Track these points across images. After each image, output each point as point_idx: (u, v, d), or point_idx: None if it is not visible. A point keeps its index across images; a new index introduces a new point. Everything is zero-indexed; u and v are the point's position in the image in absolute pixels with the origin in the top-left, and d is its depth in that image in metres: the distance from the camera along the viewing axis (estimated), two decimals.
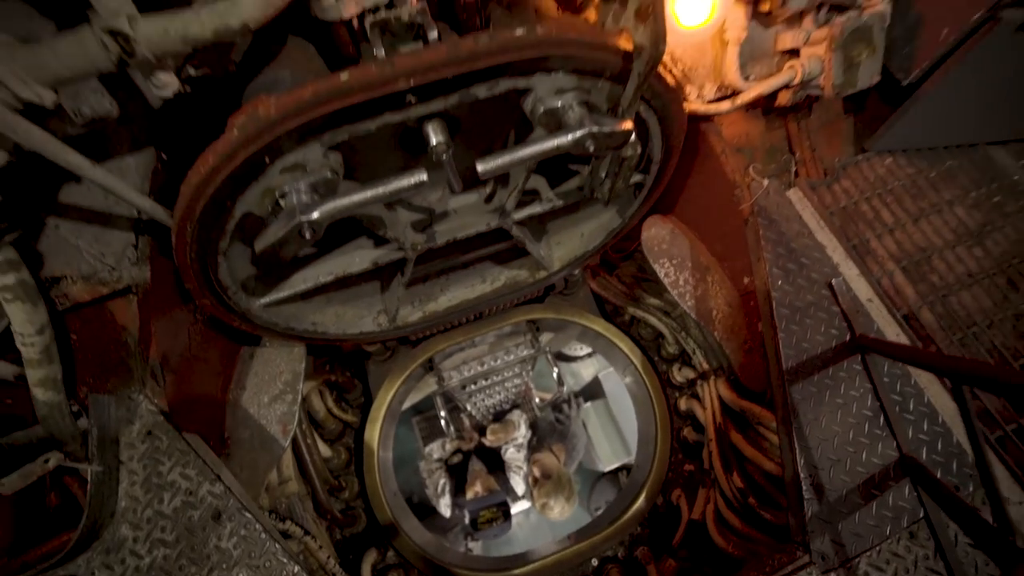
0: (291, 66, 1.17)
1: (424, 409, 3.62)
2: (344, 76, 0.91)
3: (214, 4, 0.92)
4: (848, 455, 1.46)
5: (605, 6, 1.06)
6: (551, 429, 3.32)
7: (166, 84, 0.99)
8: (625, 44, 1.04)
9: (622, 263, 2.52)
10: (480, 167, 1.04)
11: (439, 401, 3.03)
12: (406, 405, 3.03)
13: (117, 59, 0.89)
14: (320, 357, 2.56)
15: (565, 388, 3.28)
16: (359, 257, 1.49)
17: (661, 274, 1.94)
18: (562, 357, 3.85)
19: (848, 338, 1.59)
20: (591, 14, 1.25)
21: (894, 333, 1.65)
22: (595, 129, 1.05)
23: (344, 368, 2.79)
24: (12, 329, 1.24)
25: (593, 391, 4.13)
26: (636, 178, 1.51)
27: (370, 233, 1.50)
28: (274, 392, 2.00)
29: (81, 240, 1.40)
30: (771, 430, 1.74)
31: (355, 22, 1.15)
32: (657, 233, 2.02)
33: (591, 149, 1.06)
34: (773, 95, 1.68)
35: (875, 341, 1.52)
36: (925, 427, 1.49)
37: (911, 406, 1.52)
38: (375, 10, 1.11)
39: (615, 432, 3.95)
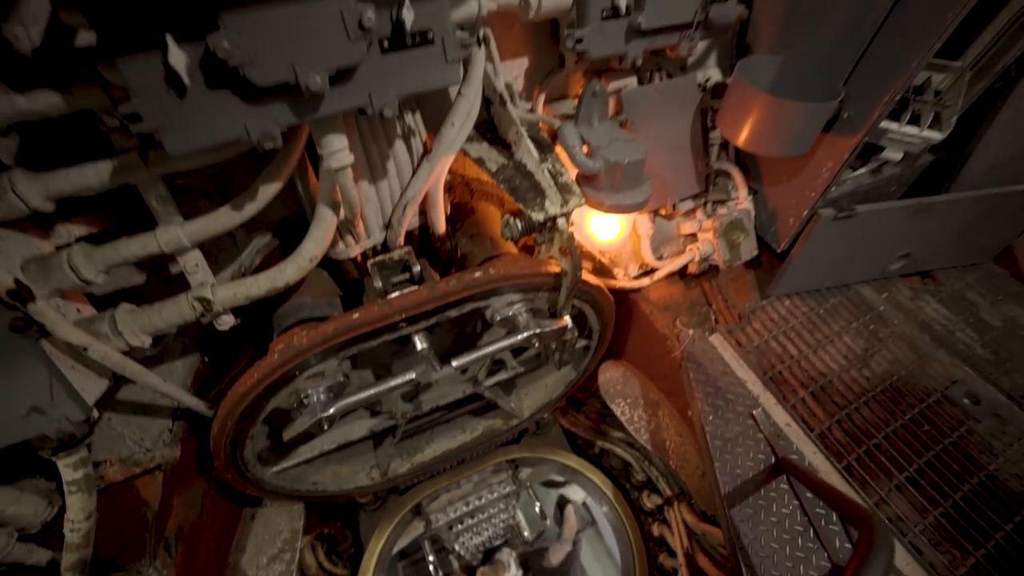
0: (311, 291, 1.59)
1: (411, 552, 3.61)
2: (356, 316, 1.32)
3: (267, 272, 1.34)
4: (787, 570, 1.68)
5: (538, 243, 1.53)
6: (543, 568, 3.35)
7: (226, 321, 1.37)
8: (554, 269, 1.49)
9: (587, 400, 2.85)
10: (454, 363, 1.41)
11: (426, 545, 3.09)
12: (394, 551, 3.08)
13: (200, 314, 1.28)
14: (314, 511, 2.70)
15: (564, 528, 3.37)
16: (358, 427, 1.79)
17: (617, 412, 2.27)
18: (550, 483, 3.98)
19: (773, 461, 1.90)
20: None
21: (811, 451, 1.96)
22: (538, 330, 1.45)
23: (336, 519, 2.90)
24: (65, 517, 1.46)
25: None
26: (582, 343, 1.91)
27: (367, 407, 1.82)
28: (273, 552, 2.14)
29: (127, 429, 1.67)
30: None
31: (359, 258, 1.61)
32: (612, 376, 2.39)
33: (537, 344, 1.45)
34: (684, 266, 2.18)
35: (791, 464, 1.83)
36: (849, 535, 1.74)
37: (834, 517, 1.78)
38: (375, 252, 1.57)
39: (608, 559, 3.93)
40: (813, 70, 1.67)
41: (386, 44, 0.99)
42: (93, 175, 1.14)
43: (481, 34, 1.30)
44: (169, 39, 0.85)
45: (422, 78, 1.05)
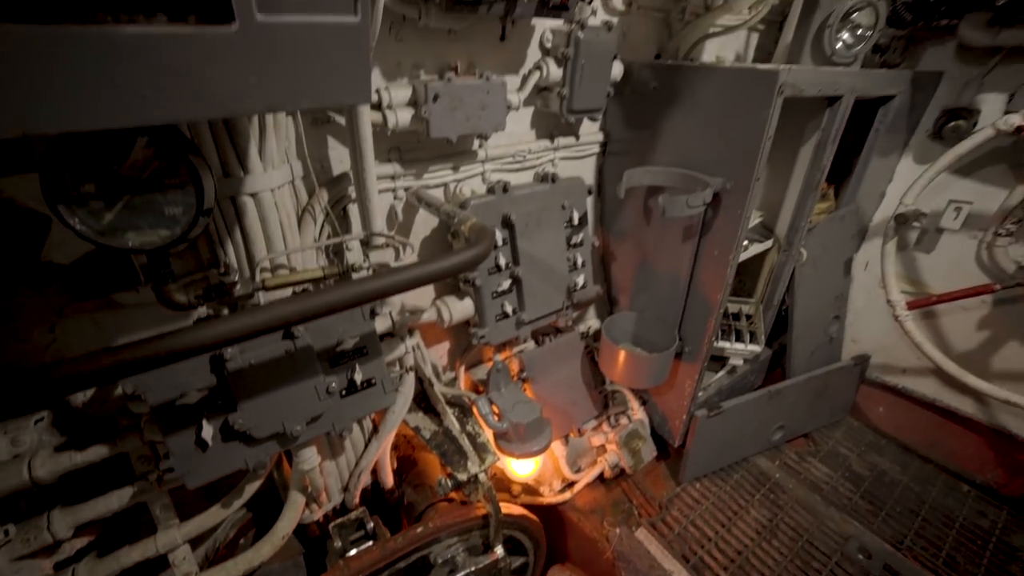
0: (278, 555, 1.85)
1: None
2: None
3: (245, 554, 1.64)
4: None
5: (466, 494, 1.92)
6: None
7: None
8: (481, 512, 1.87)
9: None
10: None
11: None
12: None
13: None
14: None
15: None
16: None
17: None
18: None
19: None
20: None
21: None
22: (475, 567, 1.76)
23: None
24: None
25: None
26: (519, 561, 2.19)
27: None
28: None
29: None
30: None
31: (320, 518, 1.92)
32: None
33: None
34: (601, 474, 2.60)
35: None
36: None
37: None
38: (335, 511, 1.90)
39: None
40: (656, 322, 2.37)
41: (344, 392, 1.50)
42: (116, 501, 1.49)
43: (414, 342, 1.88)
44: (204, 422, 1.31)
45: (370, 405, 1.56)
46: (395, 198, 1.85)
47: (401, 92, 1.63)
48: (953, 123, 2.56)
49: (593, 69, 1.92)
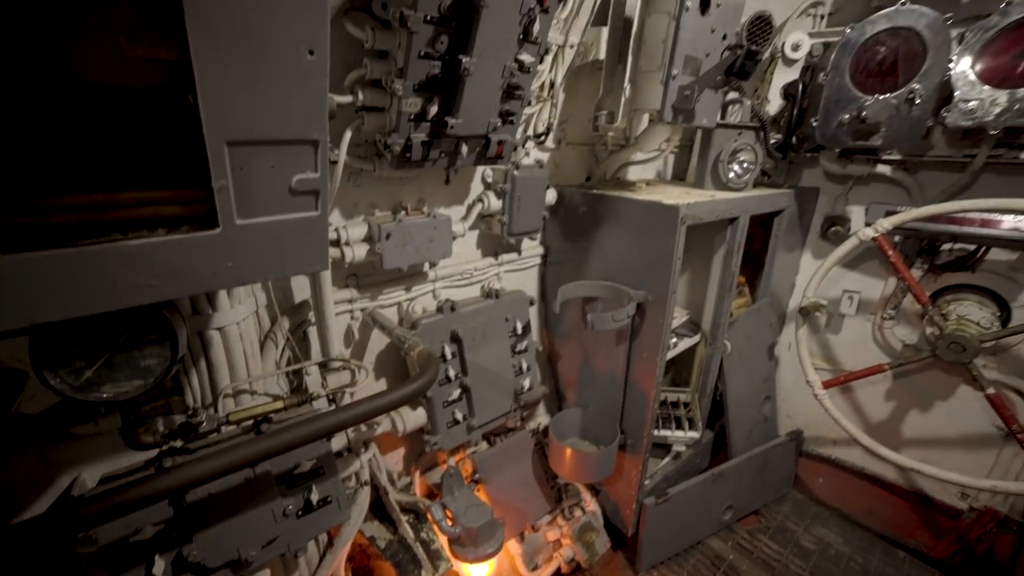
0: None
1: None
2: None
3: None
4: None
5: None
6: None
7: None
8: None
9: None
10: None
11: None
12: None
13: None
14: None
15: None
16: None
17: None
18: None
19: None
20: None
21: None
22: None
23: None
24: None
25: None
26: None
27: None
28: None
29: None
30: None
31: None
32: None
33: None
34: (557, 569, 2.63)
35: None
36: None
37: None
38: None
39: None
40: (600, 417, 2.55)
41: (300, 513, 1.58)
42: None
43: (369, 456, 1.98)
44: (157, 557, 1.35)
45: (325, 523, 1.63)
46: (352, 318, 2.03)
47: (357, 230, 1.87)
48: (833, 228, 3.03)
49: (528, 199, 2.24)
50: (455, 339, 2.07)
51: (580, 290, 2.27)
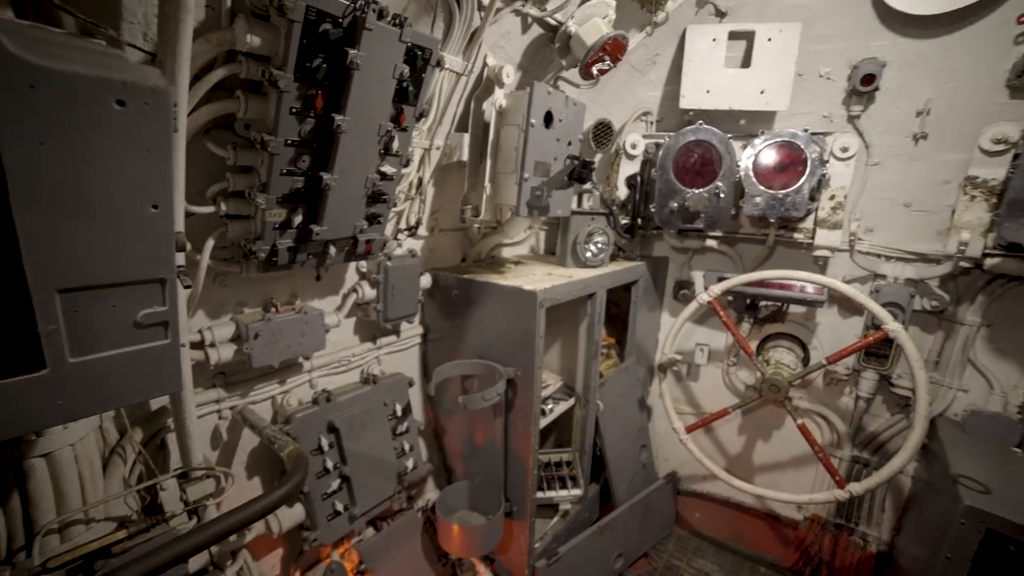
0: None
1: None
2: None
3: None
4: None
5: None
6: None
7: None
8: None
9: None
10: None
11: None
12: None
13: None
14: None
15: None
16: None
17: None
18: None
19: None
20: None
21: None
22: None
23: None
24: None
25: None
26: None
27: None
28: None
29: None
30: None
31: None
32: None
33: None
34: None
35: None
36: None
37: None
38: None
39: None
40: (486, 488, 2.65)
41: None
42: None
43: (237, 568, 1.87)
44: None
45: None
46: (220, 418, 1.97)
47: (224, 330, 1.86)
48: (682, 291, 3.54)
49: (402, 286, 2.38)
50: (332, 429, 2.09)
51: (454, 370, 2.41)
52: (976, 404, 2.82)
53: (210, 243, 1.71)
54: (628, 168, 3.20)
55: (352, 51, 1.52)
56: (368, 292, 2.31)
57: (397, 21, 1.62)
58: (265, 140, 1.57)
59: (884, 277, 2.97)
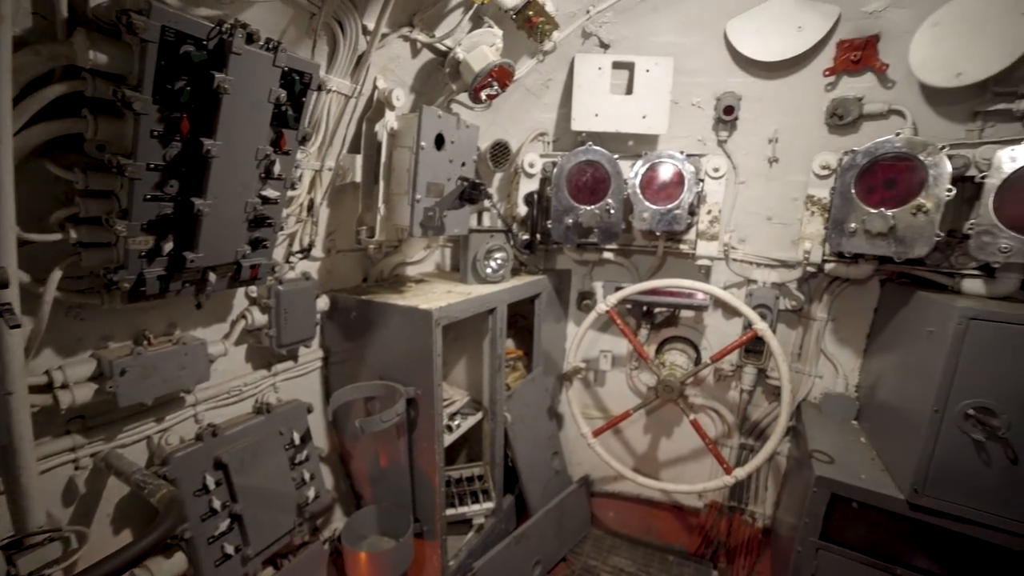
0: None
1: None
2: None
3: None
4: None
5: None
6: None
7: None
8: None
9: None
10: None
11: None
12: None
13: None
14: None
15: None
16: None
17: None
18: None
19: None
20: None
21: None
22: None
23: None
24: None
25: None
26: None
27: None
28: None
29: None
30: None
31: None
32: None
33: None
34: None
35: None
36: None
37: None
38: None
39: None
40: (394, 510, 2.61)
41: None
42: None
43: None
44: None
45: None
46: (77, 468, 1.78)
47: (81, 368, 1.69)
48: (585, 301, 3.74)
49: (297, 310, 2.31)
50: (219, 465, 1.96)
51: (352, 393, 2.37)
52: (829, 388, 3.24)
53: (57, 274, 1.56)
54: (527, 186, 3.34)
55: (219, 75, 1.48)
56: (259, 318, 2.21)
57: (270, 46, 1.60)
58: (122, 164, 1.48)
59: (755, 282, 3.34)
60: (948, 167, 2.33)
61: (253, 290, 2.26)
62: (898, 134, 2.49)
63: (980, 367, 2.04)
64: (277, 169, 1.85)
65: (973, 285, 2.44)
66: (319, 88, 2.01)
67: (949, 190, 2.34)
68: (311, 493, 2.32)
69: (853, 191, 2.59)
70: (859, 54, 2.80)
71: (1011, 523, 2.05)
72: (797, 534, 2.61)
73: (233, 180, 1.71)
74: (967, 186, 2.41)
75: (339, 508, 2.82)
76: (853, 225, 2.58)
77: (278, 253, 2.37)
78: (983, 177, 2.27)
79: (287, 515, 2.23)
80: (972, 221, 2.31)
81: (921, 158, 2.39)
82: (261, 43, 1.58)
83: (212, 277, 1.85)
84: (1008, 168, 2.18)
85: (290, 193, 2.22)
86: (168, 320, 2.00)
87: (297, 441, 2.28)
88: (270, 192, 1.87)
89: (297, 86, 1.76)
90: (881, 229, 2.49)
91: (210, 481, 1.94)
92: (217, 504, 1.95)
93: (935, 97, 2.68)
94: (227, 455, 1.99)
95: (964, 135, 2.62)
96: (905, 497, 2.28)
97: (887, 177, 2.52)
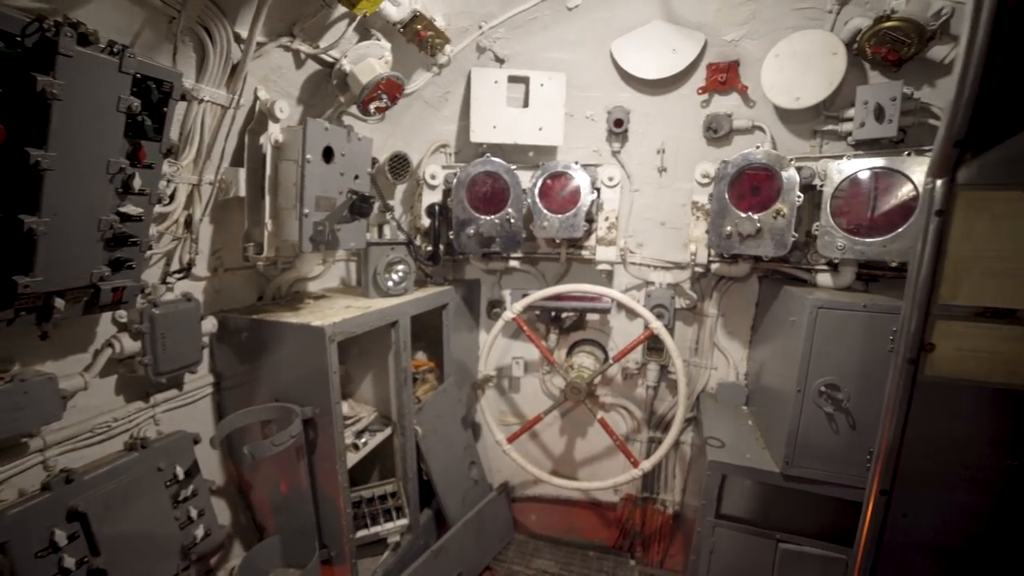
0: None
1: None
2: None
3: None
4: None
5: None
6: None
7: None
8: None
9: None
10: None
11: None
12: None
13: None
14: None
15: None
16: None
17: None
18: None
19: None
20: None
21: None
22: None
23: None
24: None
25: None
26: None
27: None
28: None
29: None
30: None
31: None
32: None
33: None
34: None
35: None
36: None
37: None
38: None
39: None
40: (299, 538, 2.48)
41: None
42: None
43: None
44: None
45: None
46: None
47: None
48: (495, 310, 3.79)
49: (178, 334, 2.13)
50: (75, 516, 1.76)
51: (242, 419, 2.24)
52: (723, 378, 3.53)
53: None
54: (430, 197, 3.35)
55: (43, 78, 1.35)
56: (130, 345, 2.02)
57: (114, 49, 1.49)
58: None
59: (653, 283, 3.57)
60: (797, 177, 2.65)
61: (122, 315, 2.06)
62: (758, 147, 2.79)
63: (828, 349, 2.33)
64: (138, 183, 1.72)
65: (824, 279, 2.78)
66: (185, 98, 1.90)
67: (799, 196, 2.65)
68: (199, 532, 2.14)
69: (727, 197, 2.86)
70: (725, 76, 3.12)
71: (855, 479, 2.35)
72: (698, 515, 2.81)
73: (79, 195, 1.56)
74: (814, 194, 2.75)
75: (239, 543, 2.63)
76: (729, 228, 2.85)
77: (152, 274, 2.19)
78: (822, 186, 2.61)
79: (169, 560, 2.04)
80: (817, 224, 2.64)
81: (777, 169, 2.69)
82: (102, 46, 1.47)
83: (59, 303, 1.67)
84: (836, 179, 2.54)
85: (161, 209, 2.07)
86: (4, 354, 1.77)
87: (181, 476, 2.10)
88: (131, 208, 1.74)
89: (155, 95, 1.65)
90: (750, 231, 2.77)
91: (60, 537, 1.71)
92: (70, 562, 1.73)
93: (785, 116, 3.05)
94: (85, 503, 1.78)
95: (808, 150, 3.00)
96: (779, 470, 2.54)
97: (753, 184, 2.81)
